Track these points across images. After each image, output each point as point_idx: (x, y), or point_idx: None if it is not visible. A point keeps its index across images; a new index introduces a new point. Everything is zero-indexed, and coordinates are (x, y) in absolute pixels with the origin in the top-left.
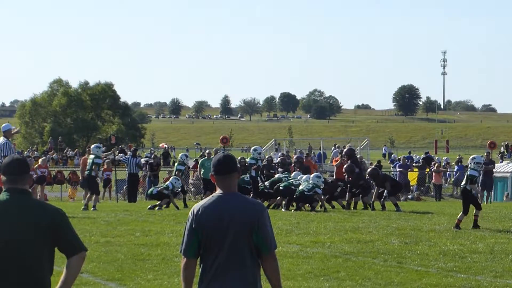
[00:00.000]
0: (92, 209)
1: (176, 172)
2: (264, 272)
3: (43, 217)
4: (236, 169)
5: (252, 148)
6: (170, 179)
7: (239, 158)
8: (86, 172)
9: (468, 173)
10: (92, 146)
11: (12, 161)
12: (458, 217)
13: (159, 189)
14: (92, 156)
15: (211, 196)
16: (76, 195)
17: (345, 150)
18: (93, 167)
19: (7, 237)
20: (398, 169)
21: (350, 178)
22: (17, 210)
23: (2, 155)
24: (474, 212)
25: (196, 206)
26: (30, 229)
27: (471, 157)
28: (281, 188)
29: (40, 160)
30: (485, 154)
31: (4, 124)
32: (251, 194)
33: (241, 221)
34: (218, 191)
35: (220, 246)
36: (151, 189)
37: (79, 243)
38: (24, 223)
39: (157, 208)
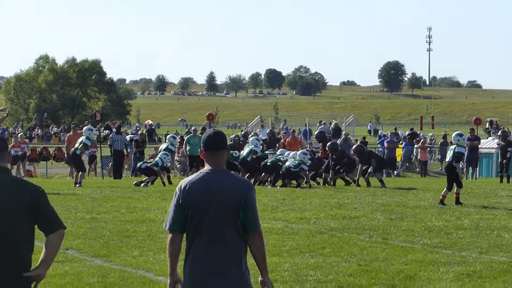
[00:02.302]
0: (77, 185)
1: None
2: (249, 249)
3: (22, 194)
4: (225, 146)
5: (255, 138)
6: (159, 155)
7: (233, 135)
8: (72, 149)
9: (455, 149)
10: (85, 127)
11: None
12: (442, 193)
13: (148, 164)
14: (83, 137)
15: (199, 172)
16: (37, 172)
17: (315, 132)
18: (80, 146)
19: None
20: (386, 145)
21: (334, 156)
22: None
23: None
24: (455, 189)
25: (183, 182)
26: (10, 207)
27: (456, 132)
28: (268, 164)
29: (12, 138)
30: (470, 130)
31: None
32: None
33: (228, 198)
34: (207, 167)
35: (207, 222)
36: (140, 163)
37: (58, 220)
38: (3, 201)
39: (142, 185)
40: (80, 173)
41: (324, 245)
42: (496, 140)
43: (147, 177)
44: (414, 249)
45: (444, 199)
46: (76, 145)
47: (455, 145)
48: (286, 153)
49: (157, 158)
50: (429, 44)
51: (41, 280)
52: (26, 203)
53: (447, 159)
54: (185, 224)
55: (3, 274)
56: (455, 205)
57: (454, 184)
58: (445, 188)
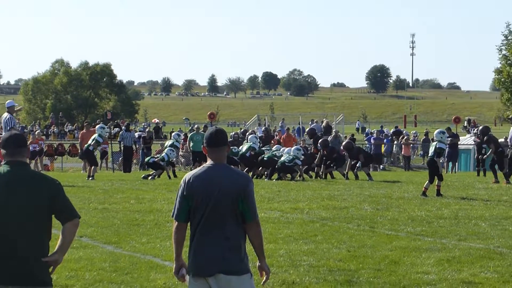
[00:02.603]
0: (90, 178)
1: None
2: (248, 237)
3: (41, 187)
4: (226, 143)
5: (253, 135)
6: (165, 151)
7: (233, 133)
8: (85, 146)
9: (437, 145)
10: (98, 126)
11: (10, 136)
12: (424, 185)
13: (156, 159)
14: (96, 134)
15: (202, 166)
16: (54, 167)
17: (307, 130)
18: (93, 142)
19: (11, 203)
20: (372, 142)
21: (325, 152)
22: (16, 180)
23: (8, 129)
24: (436, 182)
25: (188, 175)
26: (29, 198)
27: (438, 130)
28: (265, 159)
29: (31, 135)
30: (450, 128)
31: (8, 101)
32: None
33: (228, 190)
34: (209, 162)
35: (208, 212)
36: (148, 158)
37: (73, 210)
38: (24, 192)
39: (150, 178)
40: (93, 167)
41: (316, 233)
42: (474, 137)
43: (154, 171)
44: (398, 237)
45: (426, 191)
46: (89, 142)
47: (436, 142)
48: (281, 149)
49: (163, 154)
50: (412, 49)
51: (58, 264)
52: (45, 195)
53: (429, 154)
54: (189, 214)
55: (24, 259)
56: (436, 196)
57: (435, 177)
58: (427, 181)
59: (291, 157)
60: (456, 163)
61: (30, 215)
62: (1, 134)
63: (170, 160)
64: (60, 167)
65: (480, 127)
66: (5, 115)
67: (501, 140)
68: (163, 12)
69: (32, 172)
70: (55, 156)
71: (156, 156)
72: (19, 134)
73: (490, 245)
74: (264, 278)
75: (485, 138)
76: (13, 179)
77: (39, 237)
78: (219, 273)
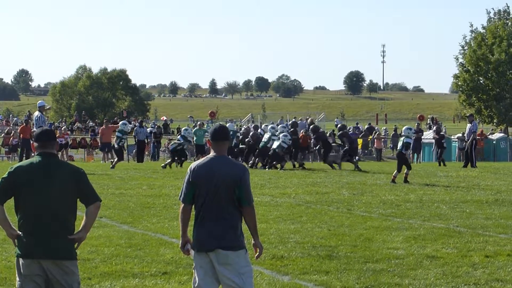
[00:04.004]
0: (111, 167)
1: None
2: (244, 219)
3: (67, 174)
4: (228, 138)
5: (274, 129)
6: (182, 131)
7: (243, 127)
8: (116, 141)
9: (404, 140)
10: (121, 122)
11: (42, 131)
12: (393, 174)
13: (174, 145)
14: (117, 131)
15: (205, 157)
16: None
17: (311, 127)
18: (115, 140)
19: (43, 187)
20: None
21: (315, 138)
22: (46, 169)
23: (39, 125)
24: (405, 171)
25: (193, 164)
26: (58, 183)
27: (406, 127)
28: (258, 149)
29: (57, 131)
30: (416, 124)
31: (39, 101)
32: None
33: (227, 178)
34: (212, 154)
35: (210, 196)
36: (172, 145)
37: (95, 194)
38: (53, 178)
39: (162, 165)
40: (117, 160)
41: (301, 215)
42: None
43: (168, 160)
44: (372, 218)
45: (395, 179)
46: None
47: (404, 137)
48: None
49: (178, 136)
50: (383, 57)
51: (82, 241)
52: (70, 181)
53: (398, 147)
54: (193, 197)
55: (55, 236)
56: (404, 183)
57: (403, 166)
58: (395, 170)
59: (278, 142)
60: (420, 154)
61: (59, 198)
62: (34, 130)
63: (188, 138)
64: (83, 158)
65: (435, 128)
66: (37, 113)
67: (458, 135)
68: (172, 26)
69: (60, 161)
70: (78, 148)
71: (175, 143)
72: (49, 129)
73: (450, 225)
74: (258, 253)
75: (442, 134)
76: (44, 167)
77: (66, 217)
78: (218, 249)
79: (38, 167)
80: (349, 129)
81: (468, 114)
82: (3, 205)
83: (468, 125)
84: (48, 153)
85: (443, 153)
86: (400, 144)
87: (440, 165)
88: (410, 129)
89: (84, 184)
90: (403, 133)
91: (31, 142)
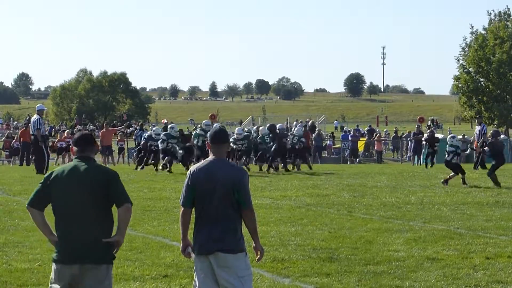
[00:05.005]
0: (167, 171)
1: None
2: (244, 222)
3: (100, 176)
4: (227, 141)
5: (300, 128)
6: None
7: (255, 128)
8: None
9: (447, 149)
10: (169, 126)
11: (81, 136)
12: (450, 175)
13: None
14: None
15: (204, 160)
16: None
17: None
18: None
19: (76, 191)
20: (350, 138)
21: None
22: (82, 171)
23: (36, 128)
24: (461, 176)
25: (193, 167)
26: (91, 185)
27: (450, 135)
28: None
29: (58, 134)
30: (416, 126)
31: (38, 105)
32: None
33: (226, 181)
34: (211, 157)
35: (209, 199)
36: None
37: (125, 197)
38: (88, 180)
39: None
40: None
41: (302, 217)
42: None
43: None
44: (372, 220)
45: (448, 180)
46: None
47: (448, 145)
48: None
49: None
50: (383, 59)
51: (119, 245)
52: (103, 184)
53: (446, 157)
54: (193, 200)
55: (87, 241)
56: (463, 185)
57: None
58: (453, 173)
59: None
60: (421, 156)
61: (92, 201)
62: (33, 134)
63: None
64: None
65: (429, 131)
66: (35, 116)
67: (459, 136)
68: (172, 29)
69: (94, 164)
70: None
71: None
72: (88, 134)
73: (450, 227)
74: (258, 256)
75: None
76: (79, 171)
77: (100, 220)
78: (218, 252)
79: (73, 171)
80: (348, 131)
81: (477, 116)
82: (43, 211)
83: (478, 127)
84: (85, 157)
85: (435, 156)
86: (447, 152)
87: (427, 167)
88: (454, 137)
89: (114, 186)
90: (448, 142)
91: (42, 145)
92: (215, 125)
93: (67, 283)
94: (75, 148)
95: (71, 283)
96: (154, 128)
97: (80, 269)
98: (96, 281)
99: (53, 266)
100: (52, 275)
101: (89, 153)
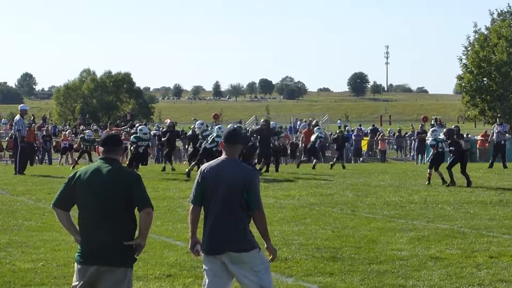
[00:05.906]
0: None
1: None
2: (254, 223)
3: (122, 179)
4: (240, 142)
5: (319, 127)
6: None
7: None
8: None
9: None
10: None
11: (108, 136)
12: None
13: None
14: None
15: (216, 159)
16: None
17: (313, 123)
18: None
19: (97, 193)
20: (353, 138)
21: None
22: (104, 173)
23: (17, 129)
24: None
25: (203, 166)
26: (112, 188)
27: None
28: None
29: (62, 134)
30: (420, 126)
31: (21, 105)
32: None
33: (235, 181)
34: (223, 156)
35: (219, 198)
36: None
37: (146, 201)
38: (109, 183)
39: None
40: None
41: (305, 216)
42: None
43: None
44: (376, 219)
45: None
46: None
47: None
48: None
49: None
50: (387, 59)
51: (141, 248)
52: (125, 186)
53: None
54: (203, 199)
55: (108, 243)
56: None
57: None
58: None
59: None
60: (424, 155)
61: (113, 203)
62: (14, 134)
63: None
64: (86, 161)
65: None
66: (17, 116)
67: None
68: (175, 29)
69: (118, 166)
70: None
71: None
72: (115, 134)
73: (454, 226)
74: (271, 257)
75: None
76: (101, 172)
77: (121, 222)
78: (229, 252)
79: (95, 173)
80: (352, 130)
81: (498, 115)
82: (69, 212)
83: (498, 127)
84: (110, 159)
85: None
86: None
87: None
88: (436, 131)
89: (135, 189)
90: (431, 137)
91: (23, 145)
92: (229, 125)
93: (87, 283)
94: (101, 149)
95: (90, 283)
96: (140, 127)
97: (97, 270)
98: (113, 283)
99: (75, 265)
100: (74, 274)
101: (114, 155)
